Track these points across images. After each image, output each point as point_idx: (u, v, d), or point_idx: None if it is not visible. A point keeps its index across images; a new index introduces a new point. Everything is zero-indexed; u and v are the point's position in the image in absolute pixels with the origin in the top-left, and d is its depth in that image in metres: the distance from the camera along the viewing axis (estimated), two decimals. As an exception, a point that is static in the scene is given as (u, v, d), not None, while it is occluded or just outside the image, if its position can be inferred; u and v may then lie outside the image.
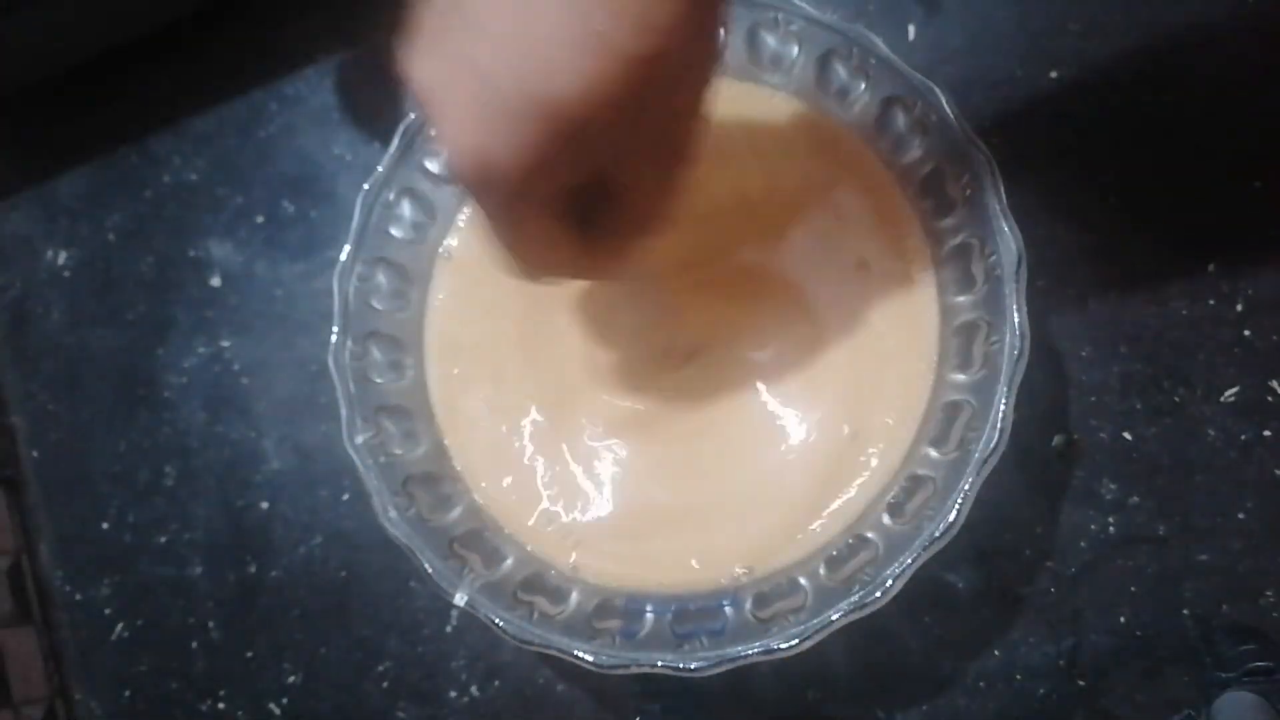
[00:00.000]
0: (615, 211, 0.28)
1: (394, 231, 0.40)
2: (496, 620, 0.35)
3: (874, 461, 0.37)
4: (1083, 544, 0.41)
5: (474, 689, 0.43)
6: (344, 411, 0.38)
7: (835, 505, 0.37)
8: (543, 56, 0.23)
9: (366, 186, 0.39)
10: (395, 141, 0.38)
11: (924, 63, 0.36)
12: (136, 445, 0.47)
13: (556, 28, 0.22)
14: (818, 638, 0.33)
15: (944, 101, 0.36)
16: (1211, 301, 0.41)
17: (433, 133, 0.24)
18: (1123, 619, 0.40)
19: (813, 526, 0.37)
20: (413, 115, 0.38)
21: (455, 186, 0.26)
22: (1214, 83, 0.42)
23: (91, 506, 0.47)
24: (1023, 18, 0.44)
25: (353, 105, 0.47)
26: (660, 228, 0.30)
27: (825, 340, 0.39)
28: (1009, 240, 0.35)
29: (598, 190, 0.27)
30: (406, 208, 0.39)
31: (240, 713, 0.45)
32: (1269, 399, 0.41)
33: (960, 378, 0.36)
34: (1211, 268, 0.41)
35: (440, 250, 0.41)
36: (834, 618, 0.33)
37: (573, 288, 0.40)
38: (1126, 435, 0.41)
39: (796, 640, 0.33)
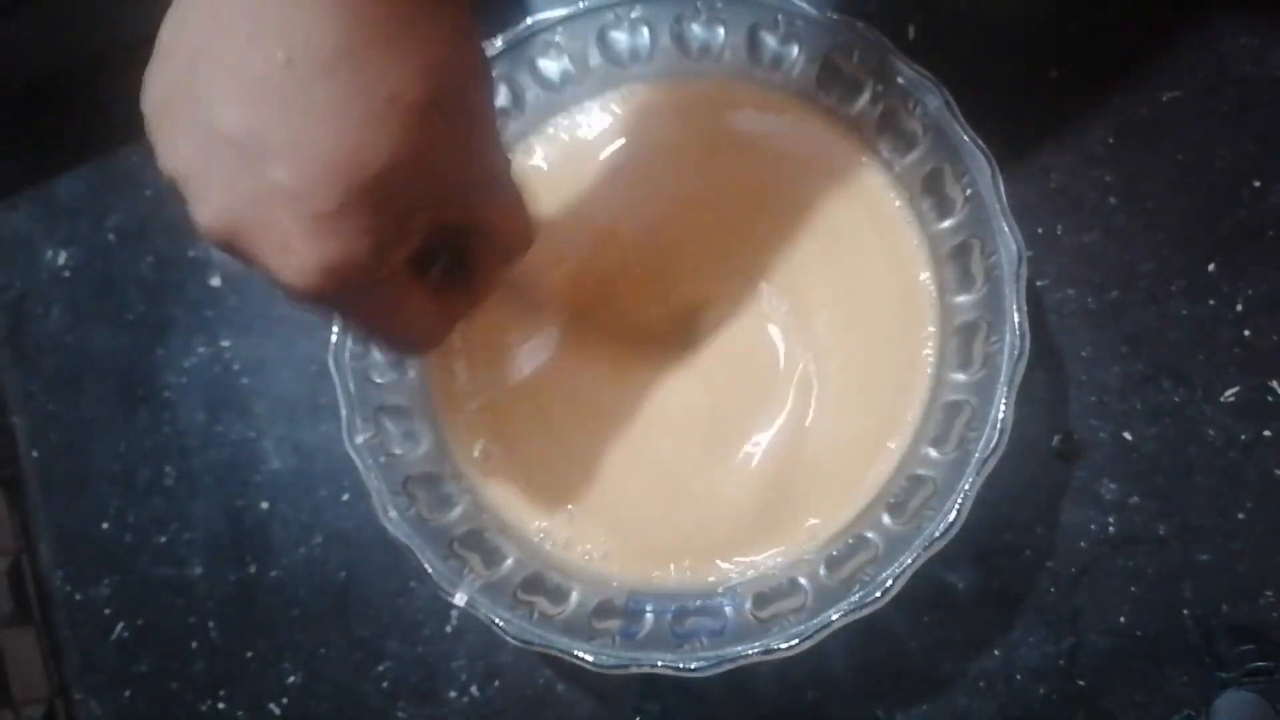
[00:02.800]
0: (473, 251, 0.29)
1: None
2: (496, 620, 0.35)
3: (873, 461, 0.37)
4: (1083, 544, 0.41)
5: (474, 689, 0.43)
6: (344, 411, 0.38)
7: (834, 506, 0.37)
8: (343, 146, 0.22)
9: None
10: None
11: (924, 63, 0.36)
12: (136, 445, 0.47)
13: (343, 113, 0.22)
14: (818, 638, 0.33)
15: (944, 101, 0.36)
16: (1211, 301, 0.41)
17: (254, 270, 0.24)
18: (1123, 619, 0.40)
19: (810, 527, 0.37)
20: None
21: (311, 311, 0.26)
22: (1214, 82, 0.42)
23: (91, 506, 0.47)
24: (1023, 18, 0.44)
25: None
26: (520, 246, 0.30)
27: (824, 341, 0.39)
28: (1009, 240, 0.35)
29: (442, 241, 0.27)
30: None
31: (240, 713, 0.45)
32: (1269, 399, 0.41)
33: (960, 378, 0.36)
34: (1211, 268, 0.41)
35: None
36: (834, 618, 0.33)
37: (575, 286, 0.40)
38: (1126, 435, 0.41)
39: (796, 640, 0.33)
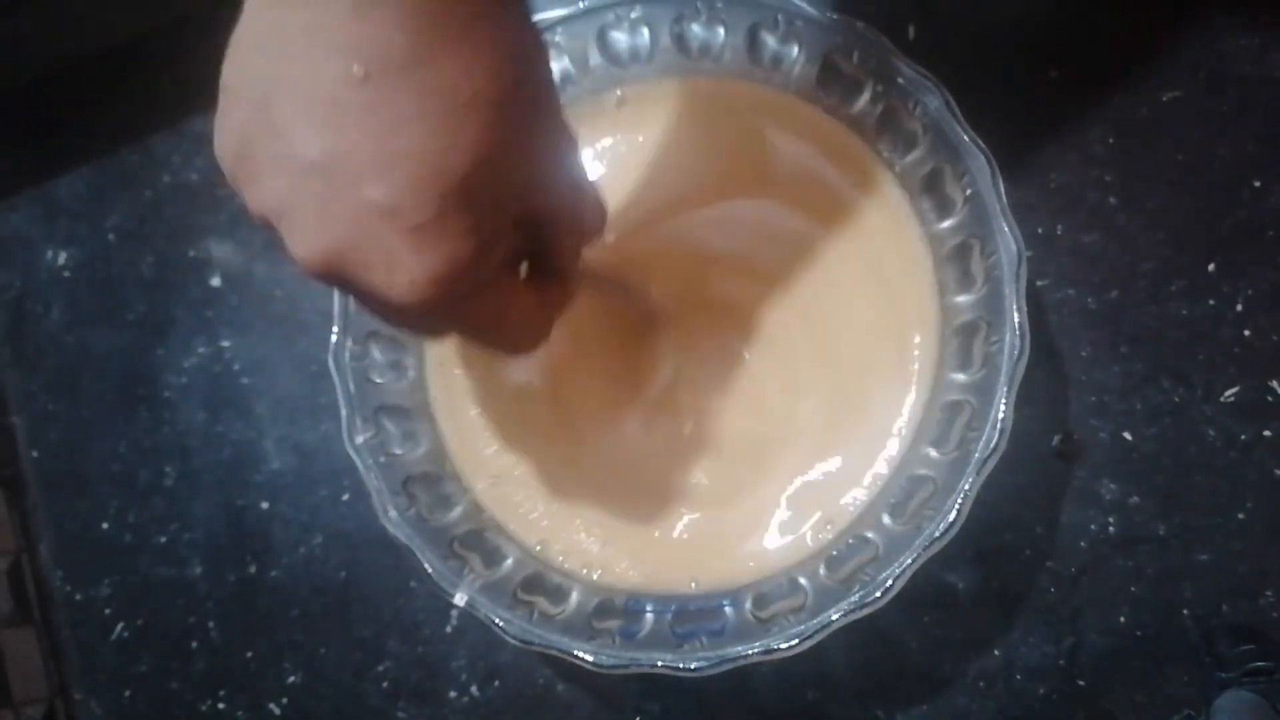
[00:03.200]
0: (552, 241, 0.28)
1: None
2: (496, 620, 0.35)
3: (873, 462, 0.37)
4: (1083, 544, 0.41)
5: (474, 689, 0.43)
6: (344, 411, 0.38)
7: (834, 506, 0.37)
8: (432, 154, 0.22)
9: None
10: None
11: (924, 63, 0.36)
12: (136, 445, 0.47)
13: (426, 121, 0.22)
14: (818, 638, 0.33)
15: (944, 101, 0.36)
16: (1211, 301, 0.41)
17: (361, 300, 0.24)
18: (1123, 619, 0.40)
19: (810, 528, 0.37)
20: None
21: (416, 330, 0.25)
22: (1214, 82, 0.42)
23: (91, 506, 0.47)
24: (1023, 18, 0.44)
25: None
26: (596, 223, 0.30)
27: (824, 341, 0.39)
28: (1009, 240, 0.35)
29: (526, 236, 0.27)
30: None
31: (240, 713, 0.45)
32: (1269, 399, 0.41)
33: (960, 378, 0.36)
34: (1211, 268, 0.41)
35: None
36: (834, 618, 0.33)
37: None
38: (1126, 435, 0.41)
39: (796, 640, 0.33)
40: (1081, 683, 0.40)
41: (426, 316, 0.24)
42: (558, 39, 0.39)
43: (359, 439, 0.38)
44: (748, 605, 0.36)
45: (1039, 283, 0.42)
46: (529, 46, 0.24)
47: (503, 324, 0.27)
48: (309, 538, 0.45)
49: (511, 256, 0.26)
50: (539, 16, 0.39)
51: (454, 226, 0.23)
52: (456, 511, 0.39)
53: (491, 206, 0.24)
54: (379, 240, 0.22)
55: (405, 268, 0.23)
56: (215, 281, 0.48)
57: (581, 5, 0.39)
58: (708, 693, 0.41)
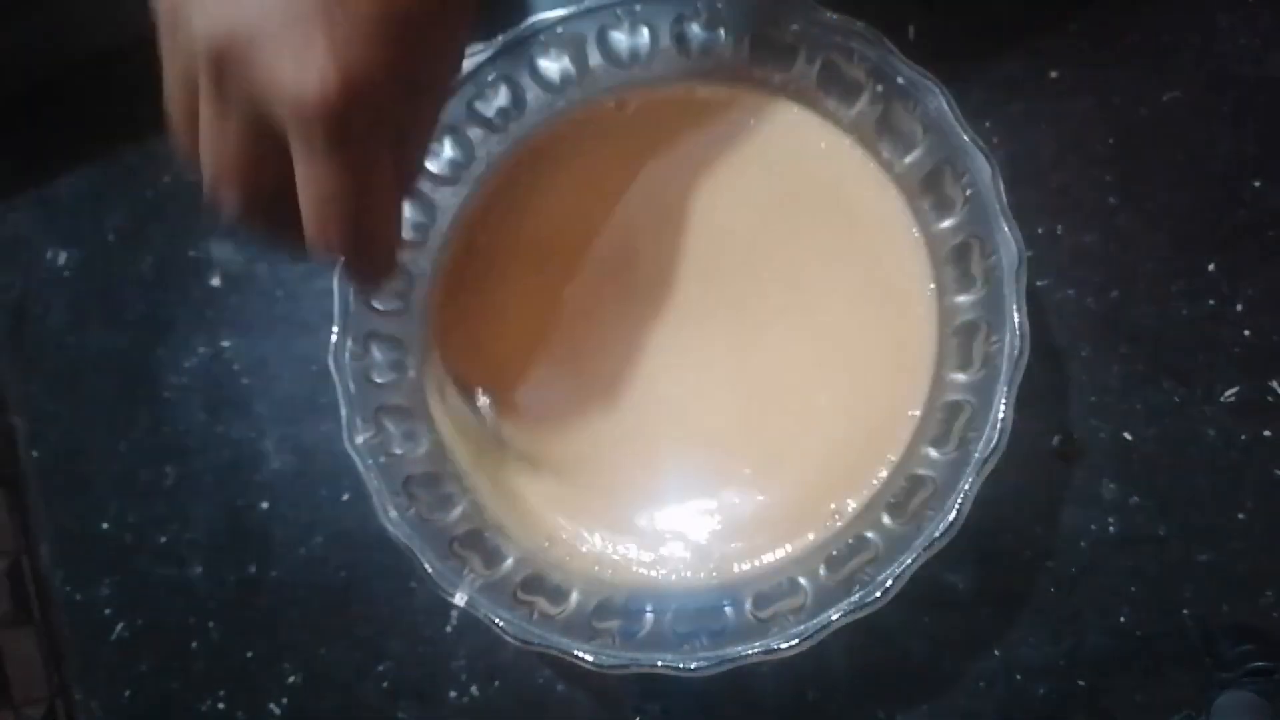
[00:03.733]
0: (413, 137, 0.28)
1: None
2: (496, 620, 0.35)
3: (872, 462, 0.37)
4: (1083, 544, 0.41)
5: (474, 689, 0.43)
6: (344, 411, 0.38)
7: (834, 505, 0.37)
8: None
9: (366, 186, 0.38)
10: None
11: (924, 62, 0.36)
12: (136, 445, 0.47)
13: None
14: (818, 638, 0.33)
15: (944, 101, 0.36)
16: (1211, 301, 0.41)
17: (261, 75, 0.23)
18: (1123, 619, 0.40)
19: (810, 526, 0.38)
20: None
21: (301, 135, 0.24)
22: (1214, 82, 0.42)
23: (91, 506, 0.47)
24: (1023, 18, 0.44)
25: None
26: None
27: (824, 340, 0.39)
28: (1009, 240, 0.35)
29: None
30: (407, 207, 0.40)
31: (240, 713, 0.45)
32: (1269, 399, 0.41)
33: (960, 378, 0.36)
34: (1211, 268, 0.41)
35: (441, 249, 0.41)
36: (834, 618, 0.33)
37: (583, 287, 0.40)
38: (1126, 435, 0.41)
39: (796, 640, 0.33)
40: (1081, 683, 0.40)
41: (321, 126, 0.23)
42: (558, 39, 0.39)
43: (359, 439, 0.38)
44: (748, 605, 0.36)
45: (1039, 283, 0.42)
46: None
47: (368, 197, 0.26)
48: (309, 538, 0.45)
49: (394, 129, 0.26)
50: (539, 16, 0.39)
51: (381, 39, 0.23)
52: (456, 511, 0.39)
53: (412, 54, 0.24)
54: (304, 25, 0.22)
55: (320, 60, 0.22)
56: (215, 281, 0.47)
57: (582, 5, 0.39)
58: (708, 693, 0.41)
